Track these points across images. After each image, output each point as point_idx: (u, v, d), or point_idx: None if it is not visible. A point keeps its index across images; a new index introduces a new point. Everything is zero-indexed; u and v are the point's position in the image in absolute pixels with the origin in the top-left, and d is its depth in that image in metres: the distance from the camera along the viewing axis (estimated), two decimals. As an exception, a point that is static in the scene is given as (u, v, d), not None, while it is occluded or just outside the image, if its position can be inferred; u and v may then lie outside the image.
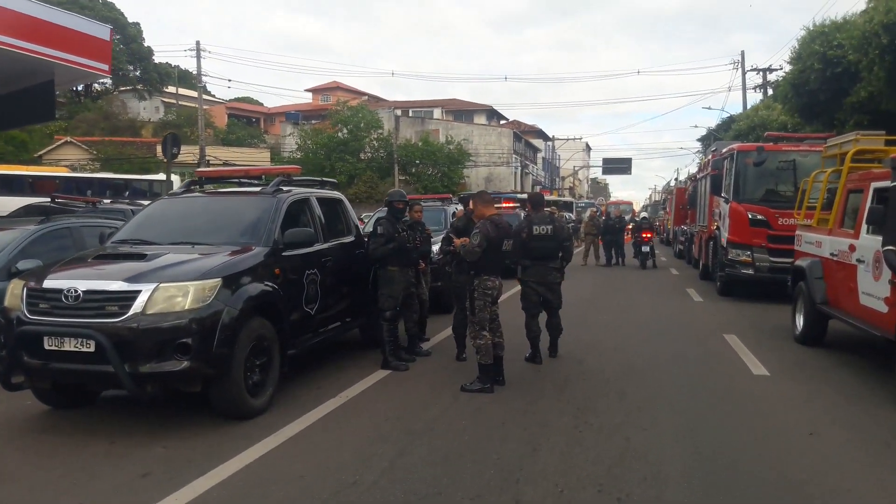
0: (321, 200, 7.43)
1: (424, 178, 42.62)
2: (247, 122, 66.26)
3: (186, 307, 5.07)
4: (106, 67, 10.46)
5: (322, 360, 7.51)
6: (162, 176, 23.74)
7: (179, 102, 60.02)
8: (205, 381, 5.24)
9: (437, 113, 56.04)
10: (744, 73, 35.40)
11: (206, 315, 5.12)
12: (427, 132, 47.05)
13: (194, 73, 61.09)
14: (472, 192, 8.50)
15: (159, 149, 46.02)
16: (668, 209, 34.30)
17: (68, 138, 43.45)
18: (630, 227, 24.80)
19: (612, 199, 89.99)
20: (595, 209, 30.40)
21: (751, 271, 12.58)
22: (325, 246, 7.03)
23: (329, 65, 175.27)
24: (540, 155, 64.84)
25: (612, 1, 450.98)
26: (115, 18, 55.53)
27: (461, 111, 57.94)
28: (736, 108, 37.66)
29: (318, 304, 6.68)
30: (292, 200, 6.76)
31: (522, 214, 20.00)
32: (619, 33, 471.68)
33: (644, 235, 20.77)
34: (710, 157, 17.42)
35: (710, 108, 67.36)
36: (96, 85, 59.92)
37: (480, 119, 57.63)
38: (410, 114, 54.83)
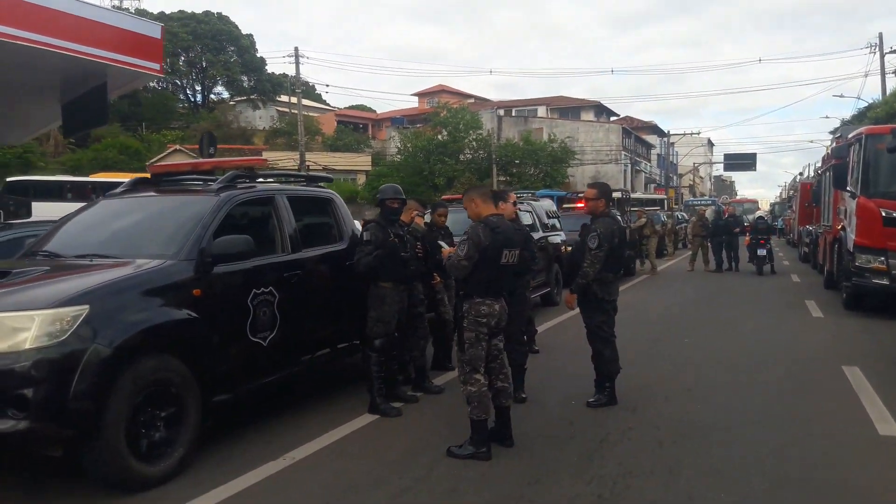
0: (297, 200, 5.95)
1: (525, 178, 40.70)
2: (354, 128, 66.59)
3: (29, 345, 3.69)
4: (157, 67, 9.66)
5: (299, 400, 6.03)
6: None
7: (292, 111, 60.96)
8: (65, 443, 3.87)
9: (541, 111, 53.79)
10: (882, 56, 31.18)
11: (59, 355, 3.72)
12: (529, 131, 45.08)
13: (308, 81, 62.36)
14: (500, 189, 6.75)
15: (265, 154, 47.10)
16: (793, 207, 30.76)
17: (178, 146, 44.72)
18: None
19: (738, 197, 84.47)
20: (704, 208, 27.30)
21: (885, 281, 10.08)
22: (291, 257, 5.52)
23: (439, 69, 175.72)
24: (654, 151, 61.23)
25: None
26: (229, 31, 57.22)
27: (567, 108, 55.42)
28: (874, 97, 33.35)
29: (278, 332, 5.19)
30: (242, 200, 5.30)
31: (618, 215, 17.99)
32: (743, 28, 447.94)
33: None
34: (833, 144, 14.73)
35: (842, 97, 61.22)
36: (212, 95, 62.17)
37: (588, 116, 54.89)
38: (514, 113, 52.96)
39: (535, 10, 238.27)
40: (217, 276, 4.74)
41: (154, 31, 9.83)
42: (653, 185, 56.64)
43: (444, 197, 12.60)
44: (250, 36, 59.05)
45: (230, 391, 4.79)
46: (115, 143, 41.86)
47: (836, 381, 6.70)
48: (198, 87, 61.87)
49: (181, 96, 61.54)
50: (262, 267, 5.15)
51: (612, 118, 57.46)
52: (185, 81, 60.58)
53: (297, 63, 39.45)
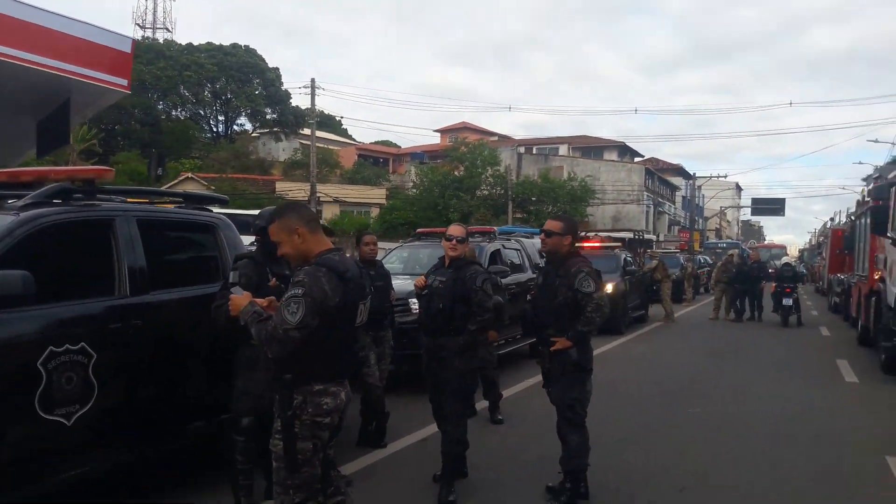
0: (158, 225, 4.55)
1: (543, 216, 39.27)
2: (374, 162, 65.79)
3: None
4: (125, 83, 8.64)
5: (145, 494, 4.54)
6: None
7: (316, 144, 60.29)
8: None
9: (563, 150, 52.38)
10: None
11: None
12: (548, 169, 43.75)
13: (336, 117, 61.62)
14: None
15: (278, 185, 46.40)
16: (823, 254, 28.86)
17: (189, 174, 44.08)
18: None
19: (766, 241, 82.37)
20: (733, 251, 25.28)
21: (934, 343, 8.40)
22: (125, 302, 4.06)
23: (466, 105, 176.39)
24: (679, 193, 59.41)
25: (770, 44, 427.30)
26: (256, 64, 57.01)
27: (590, 148, 53.91)
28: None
29: (95, 404, 3.73)
30: (55, 222, 3.85)
31: (623, 255, 16.35)
32: (776, 77, 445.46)
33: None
34: (870, 185, 13.10)
35: (876, 142, 58.95)
36: (235, 126, 61.84)
37: (612, 156, 53.29)
38: (535, 151, 51.71)
39: (568, 56, 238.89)
40: (-18, 328, 3.31)
41: (124, 44, 8.75)
42: (676, 228, 54.75)
43: (419, 230, 10.97)
44: (276, 69, 58.83)
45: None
46: (125, 169, 41.28)
47: (880, 480, 5.06)
48: (221, 118, 61.77)
49: (204, 126, 61.44)
50: (67, 316, 3.71)
51: (637, 159, 55.89)
52: (208, 112, 60.59)
53: (313, 94, 38.58)
